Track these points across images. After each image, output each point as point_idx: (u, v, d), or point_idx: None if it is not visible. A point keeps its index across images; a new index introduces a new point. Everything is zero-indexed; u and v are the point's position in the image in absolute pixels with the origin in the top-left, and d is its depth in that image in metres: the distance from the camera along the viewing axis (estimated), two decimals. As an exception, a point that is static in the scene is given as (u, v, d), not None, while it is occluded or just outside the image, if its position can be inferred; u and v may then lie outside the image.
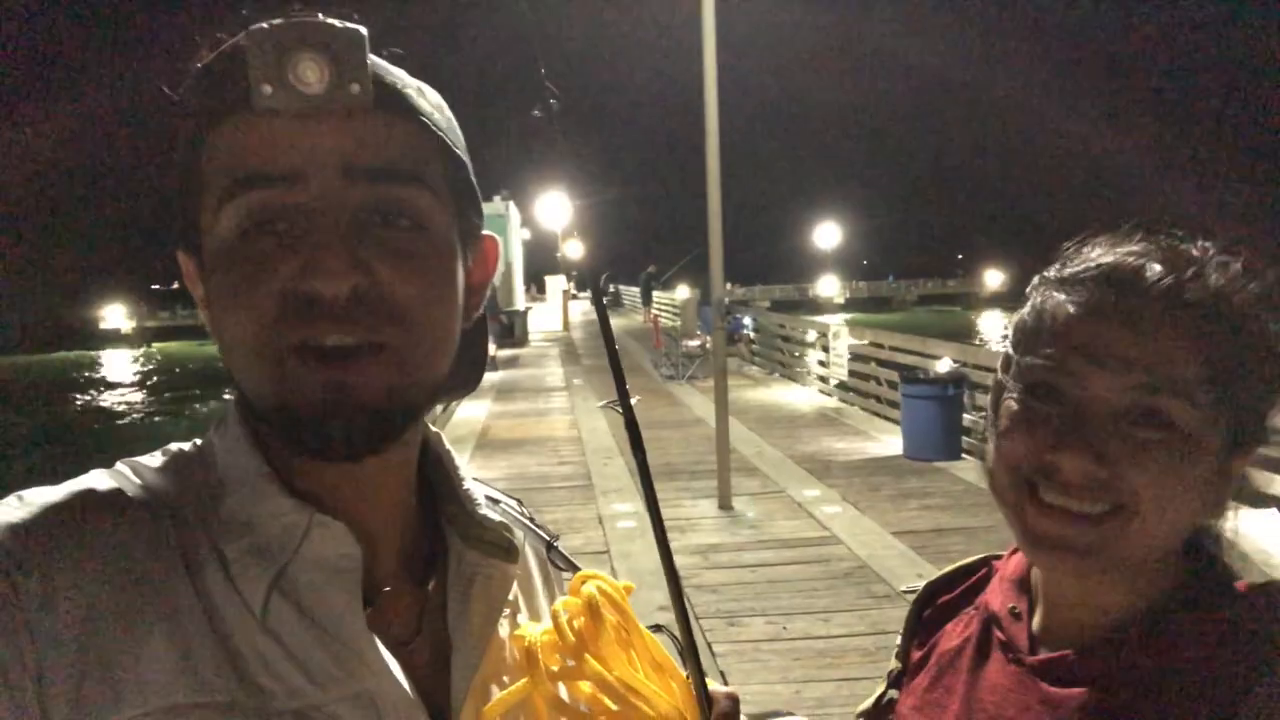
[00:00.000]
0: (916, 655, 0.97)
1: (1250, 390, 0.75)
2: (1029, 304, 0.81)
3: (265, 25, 0.62)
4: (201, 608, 0.62)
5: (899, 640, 1.01)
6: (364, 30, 0.64)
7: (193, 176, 0.66)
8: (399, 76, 0.67)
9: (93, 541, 0.60)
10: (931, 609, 0.99)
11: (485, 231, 0.77)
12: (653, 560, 6.02)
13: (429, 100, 0.69)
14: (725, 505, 7.09)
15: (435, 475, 0.80)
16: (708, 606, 5.12)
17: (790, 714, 1.09)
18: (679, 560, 6.13)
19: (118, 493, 0.64)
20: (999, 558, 0.95)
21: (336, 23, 0.63)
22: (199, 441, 0.72)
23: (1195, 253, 0.77)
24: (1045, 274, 0.81)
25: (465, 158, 0.71)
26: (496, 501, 0.87)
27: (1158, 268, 0.75)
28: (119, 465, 0.68)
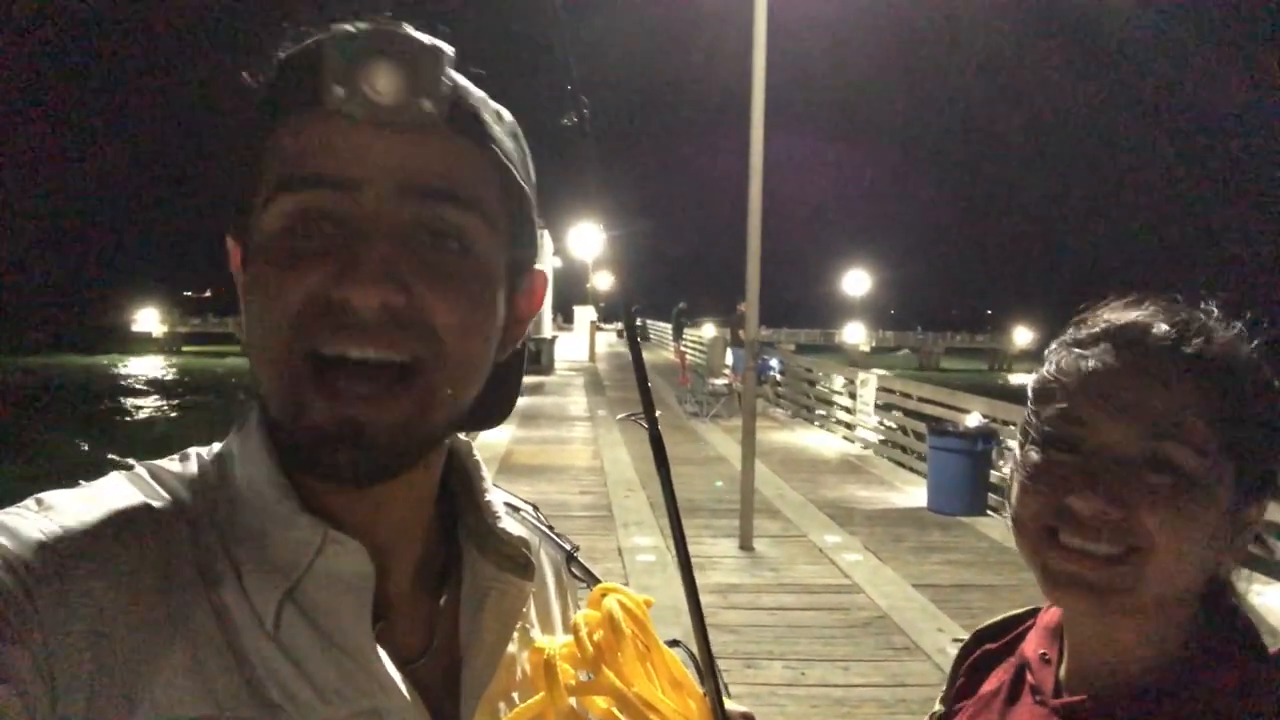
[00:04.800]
0: (960, 701, 0.99)
1: (1255, 440, 0.79)
2: (1047, 363, 0.87)
3: (348, 27, 0.62)
4: (216, 619, 0.60)
5: (944, 685, 1.04)
6: (447, 47, 0.63)
7: (252, 165, 0.65)
8: (479, 99, 0.66)
9: (109, 550, 0.59)
10: (978, 655, 1.01)
11: (538, 266, 0.76)
12: (671, 596, 5.93)
13: (504, 127, 0.68)
14: (746, 546, 7.02)
15: (458, 485, 0.78)
16: (725, 647, 5.04)
17: None
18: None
19: (136, 499, 0.63)
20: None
21: (420, 36, 0.62)
22: (219, 446, 0.71)
23: (1199, 314, 0.83)
24: (1062, 337, 0.87)
25: (530, 190, 0.70)
26: (516, 510, 0.85)
27: (1165, 326, 0.81)
28: (138, 469, 0.67)
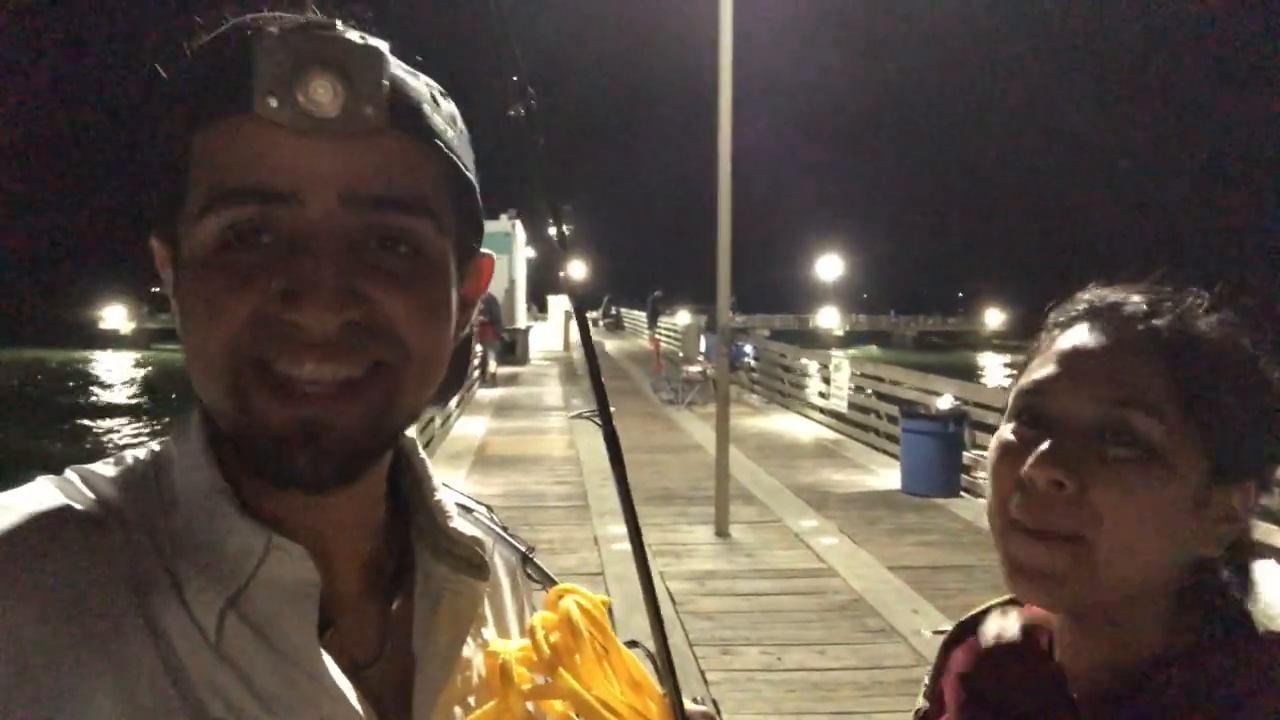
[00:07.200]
0: (946, 693, 0.96)
1: (1227, 419, 0.77)
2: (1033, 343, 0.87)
3: (275, 30, 0.58)
4: (148, 633, 0.57)
5: (927, 679, 1.01)
6: (384, 47, 0.60)
7: (178, 170, 0.62)
8: (416, 90, 0.64)
9: (29, 562, 0.55)
10: (961, 648, 0.98)
11: (484, 251, 0.74)
12: (646, 585, 5.97)
13: (443, 113, 0.66)
14: (722, 532, 7.05)
15: (406, 484, 0.76)
16: (702, 633, 5.07)
17: None
18: (675, 586, 6.17)
19: (63, 506, 0.60)
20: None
21: (355, 38, 0.59)
22: (156, 449, 0.67)
23: (1183, 295, 0.82)
24: (1046, 319, 0.88)
25: (474, 179, 0.69)
26: (469, 510, 0.83)
27: (1136, 299, 0.81)
28: (69, 473, 0.63)
